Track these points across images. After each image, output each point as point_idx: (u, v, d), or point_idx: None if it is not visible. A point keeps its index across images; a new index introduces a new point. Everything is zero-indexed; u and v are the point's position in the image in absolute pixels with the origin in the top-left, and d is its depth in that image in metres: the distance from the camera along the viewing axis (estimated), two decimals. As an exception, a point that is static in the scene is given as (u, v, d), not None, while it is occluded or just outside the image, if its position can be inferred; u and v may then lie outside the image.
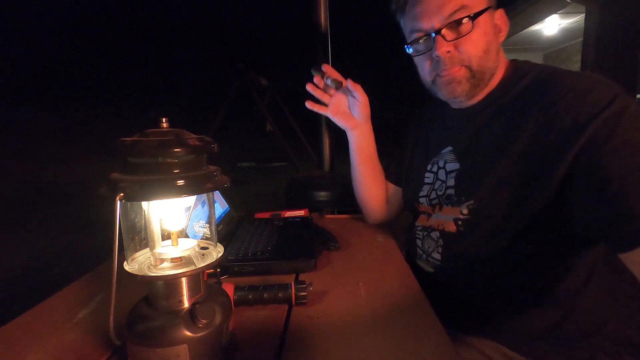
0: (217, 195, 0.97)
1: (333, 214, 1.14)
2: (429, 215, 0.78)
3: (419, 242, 0.80)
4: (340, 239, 0.87)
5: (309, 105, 0.93)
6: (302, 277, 0.69)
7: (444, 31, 0.65)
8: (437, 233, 0.75)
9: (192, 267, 0.40)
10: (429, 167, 0.81)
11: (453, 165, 0.74)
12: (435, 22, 0.65)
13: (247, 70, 5.44)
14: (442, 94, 0.71)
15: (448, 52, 0.65)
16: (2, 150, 6.86)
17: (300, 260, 0.72)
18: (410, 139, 0.92)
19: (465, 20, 0.63)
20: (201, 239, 0.48)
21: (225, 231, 0.89)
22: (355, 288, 0.63)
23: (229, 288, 0.55)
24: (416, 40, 0.69)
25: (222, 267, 0.69)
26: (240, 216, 1.09)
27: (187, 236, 0.47)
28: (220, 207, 0.95)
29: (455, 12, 0.63)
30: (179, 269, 0.40)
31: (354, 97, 0.88)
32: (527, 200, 0.59)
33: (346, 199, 1.96)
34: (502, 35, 0.69)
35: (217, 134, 5.51)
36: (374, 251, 0.82)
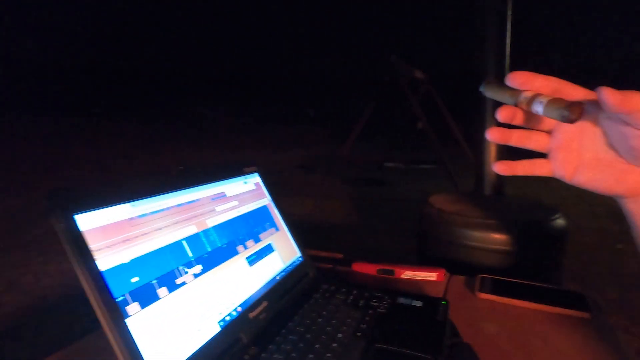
0: (282, 238, 0.60)
1: (492, 289, 0.62)
2: None
3: None
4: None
5: (501, 170, 0.37)
6: None
7: None
8: None
9: None
10: None
11: None
12: None
13: (400, 62, 4.97)
14: None
15: None
16: (198, 141, 8.56)
17: None
18: None
19: None
20: None
21: (274, 309, 0.51)
22: None
23: None
24: None
25: None
26: (319, 270, 0.69)
27: None
28: (282, 260, 0.58)
29: None
30: None
31: (626, 123, 0.27)
32: None
33: (525, 251, 0.99)
34: None
35: (364, 131, 5.28)
36: None
